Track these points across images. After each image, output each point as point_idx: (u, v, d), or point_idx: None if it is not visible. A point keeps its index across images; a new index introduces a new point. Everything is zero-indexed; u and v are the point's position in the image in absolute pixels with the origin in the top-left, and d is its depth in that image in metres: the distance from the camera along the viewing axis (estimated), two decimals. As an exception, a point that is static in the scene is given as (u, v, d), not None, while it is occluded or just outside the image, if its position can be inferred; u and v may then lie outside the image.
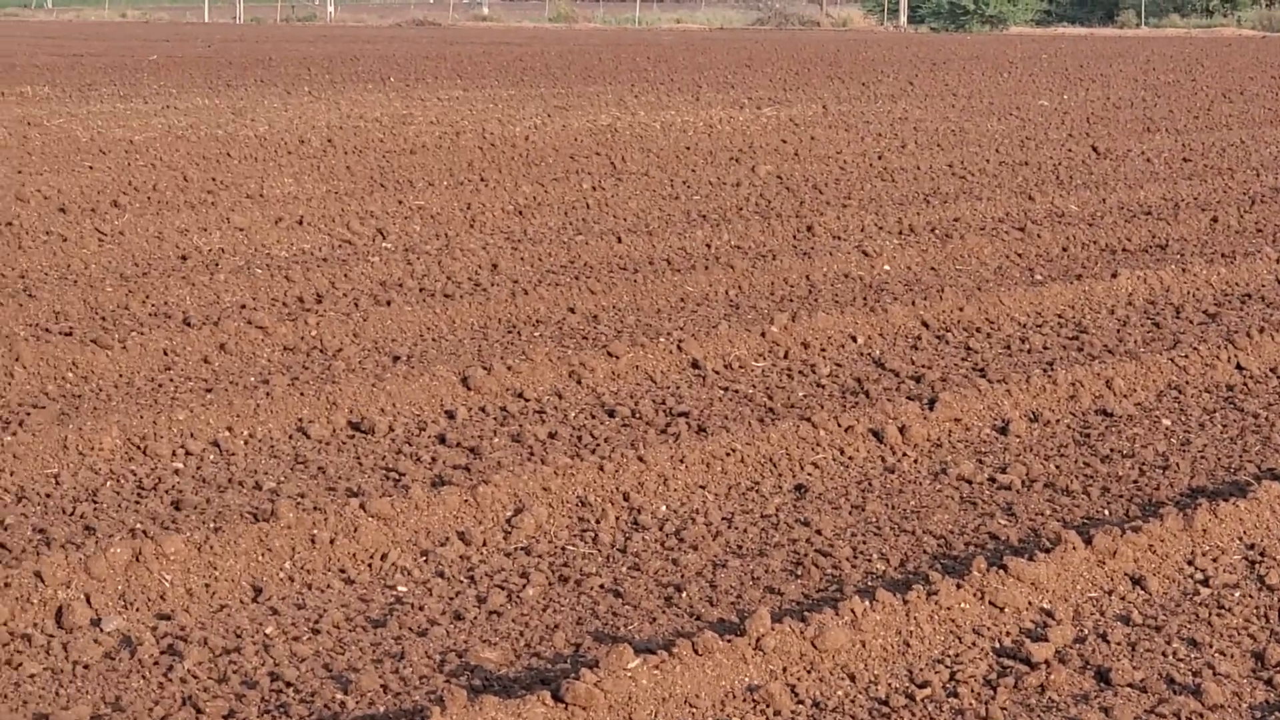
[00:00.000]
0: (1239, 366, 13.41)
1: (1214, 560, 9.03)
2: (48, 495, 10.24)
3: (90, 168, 26.01)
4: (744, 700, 7.22)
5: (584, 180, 24.94)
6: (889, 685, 7.47)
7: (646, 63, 62.39)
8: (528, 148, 29.43)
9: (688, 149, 29.59)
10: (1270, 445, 11.49)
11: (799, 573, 9.07)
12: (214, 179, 24.73)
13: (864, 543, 9.53)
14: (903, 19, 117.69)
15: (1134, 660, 7.76)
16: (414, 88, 44.90)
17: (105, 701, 7.35)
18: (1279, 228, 20.91)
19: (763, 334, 14.12)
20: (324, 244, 19.21)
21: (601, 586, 8.82)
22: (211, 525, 9.48)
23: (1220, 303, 16.21)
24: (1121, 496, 10.38)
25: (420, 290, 16.52)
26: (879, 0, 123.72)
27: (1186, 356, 13.39)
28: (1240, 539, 9.26)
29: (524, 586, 8.78)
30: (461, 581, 8.84)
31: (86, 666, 7.70)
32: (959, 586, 8.23)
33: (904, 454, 11.18)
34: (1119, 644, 7.96)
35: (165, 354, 13.54)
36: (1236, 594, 8.62)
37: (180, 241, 19.13)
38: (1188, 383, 12.96)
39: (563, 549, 9.37)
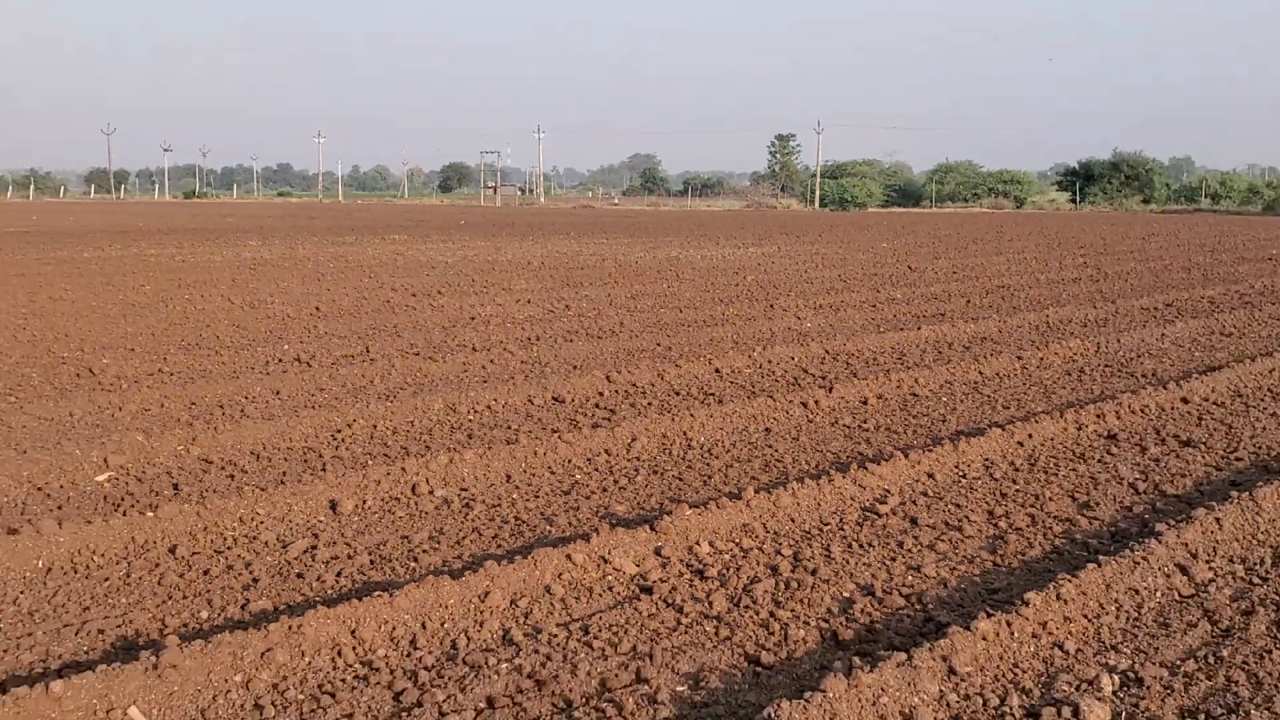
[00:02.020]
0: (980, 373, 13.40)
1: (968, 467, 9.07)
2: (407, 430, 10.37)
3: (426, 275, 26.10)
4: (742, 530, 7.30)
5: (663, 283, 24.89)
6: (812, 524, 7.57)
7: (693, 226, 62.16)
8: (636, 267, 29.36)
9: (713, 268, 29.52)
10: (996, 409, 11.47)
11: (766, 469, 9.15)
12: (486, 281, 24.79)
13: (796, 458, 9.58)
14: (816, 204, 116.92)
15: (929, 514, 7.83)
16: (581, 238, 44.81)
17: (435, 530, 7.48)
18: (1001, 305, 20.80)
19: (750, 357, 14.16)
20: (540, 313, 19.27)
21: (673, 475, 8.92)
22: (486, 445, 9.60)
23: (972, 343, 16.15)
24: (923, 434, 10.40)
25: (586, 335, 16.57)
26: (804, 194, 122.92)
27: (955, 368, 13.40)
28: (982, 456, 9.30)
29: (636, 475, 8.89)
30: (606, 474, 8.94)
31: (425, 513, 7.84)
32: (844, 475, 8.31)
33: (818, 414, 11.21)
34: (922, 506, 8.03)
35: (463, 365, 13.65)
36: (977, 483, 8.68)
37: (470, 311, 19.23)
38: (954, 380, 12.95)
39: (654, 458, 9.45)
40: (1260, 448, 9.86)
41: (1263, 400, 11.89)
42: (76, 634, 5.81)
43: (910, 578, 6.66)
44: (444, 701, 5.10)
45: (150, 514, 7.34)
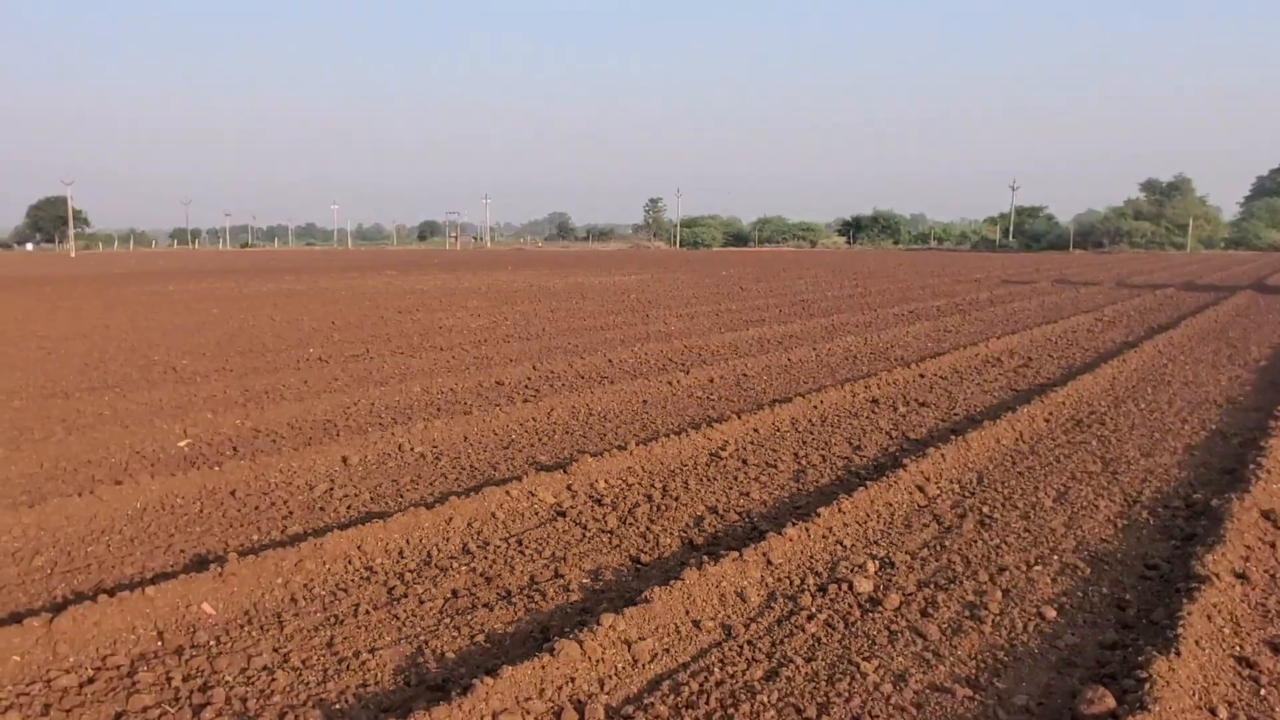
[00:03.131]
0: (788, 360, 13.48)
1: (780, 423, 9.09)
2: (395, 406, 10.18)
3: (408, 298, 25.62)
4: (627, 471, 7.28)
5: (572, 301, 24.64)
6: (675, 465, 7.54)
7: (593, 261, 61.68)
8: (553, 290, 29.05)
9: (607, 290, 29.28)
10: (799, 384, 11.50)
11: (644, 428, 9.09)
12: (449, 302, 24.37)
13: (665, 420, 9.52)
14: (678, 245, 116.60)
15: (755, 457, 7.84)
16: (515, 271, 44.17)
17: (415, 475, 7.37)
18: (802, 313, 20.89)
19: (632, 351, 14.08)
20: (486, 323, 18.99)
21: (579, 434, 8.84)
22: (450, 415, 9.44)
23: (783, 339, 16.19)
24: (750, 402, 10.36)
25: (518, 338, 16.36)
26: (669, 239, 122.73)
27: (771, 356, 13.43)
28: (790, 416, 9.32)
29: (554, 434, 8.78)
30: (533, 434, 8.83)
31: (407, 464, 7.72)
32: (697, 431, 8.31)
33: (679, 389, 11.17)
34: (750, 451, 8.01)
35: (433, 360, 13.44)
36: (787, 434, 8.69)
37: (438, 323, 18.94)
38: (771, 365, 13.00)
39: (566, 423, 9.36)
40: (970, 406, 10.03)
41: (972, 374, 12.11)
42: (164, 553, 5.66)
43: (742, 500, 6.69)
44: (422, 593, 5.04)
45: (216, 469, 7.18)
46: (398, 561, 5.50)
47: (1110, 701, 3.66)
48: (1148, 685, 3.68)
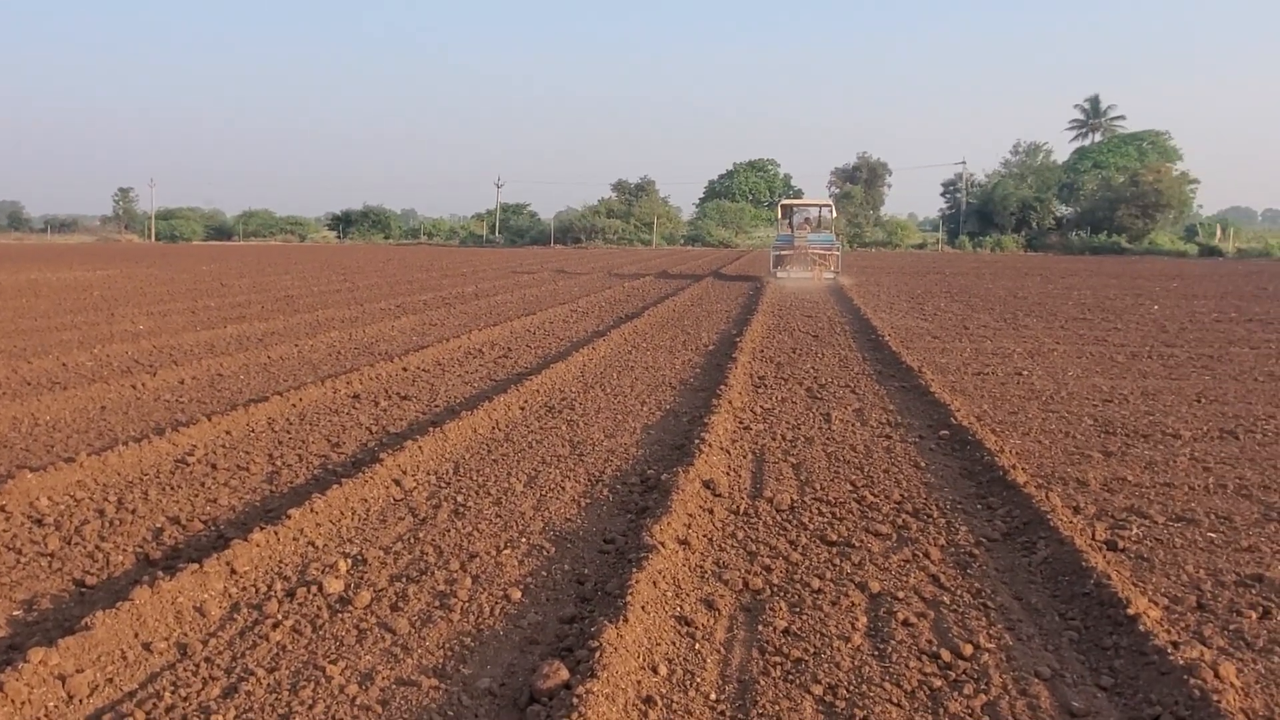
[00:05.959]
0: (268, 357, 12.87)
1: (255, 424, 8.65)
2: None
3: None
4: (77, 485, 6.56)
5: (23, 299, 21.72)
6: (135, 476, 6.93)
7: (51, 255, 55.24)
8: (-1, 286, 25.63)
9: (67, 286, 26.24)
10: (279, 382, 10.98)
11: (100, 437, 8.25)
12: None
13: (125, 427, 8.72)
14: (153, 239, 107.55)
15: (226, 460, 7.37)
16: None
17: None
18: (286, 309, 20.09)
19: (92, 353, 12.70)
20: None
21: (21, 448, 7.84)
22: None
23: (264, 336, 15.40)
24: (224, 403, 9.71)
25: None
26: (144, 232, 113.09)
27: (250, 354, 12.77)
28: (266, 416, 8.90)
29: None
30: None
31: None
32: (161, 437, 7.71)
33: (145, 393, 10.24)
34: (221, 455, 7.55)
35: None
36: (262, 435, 8.29)
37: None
38: (250, 363, 12.34)
39: (4, 436, 8.24)
40: (451, 398, 10.18)
41: (455, 366, 12.32)
42: None
43: (209, 508, 6.26)
44: None
45: None
46: None
47: (564, 673, 3.85)
48: (598, 654, 3.92)
